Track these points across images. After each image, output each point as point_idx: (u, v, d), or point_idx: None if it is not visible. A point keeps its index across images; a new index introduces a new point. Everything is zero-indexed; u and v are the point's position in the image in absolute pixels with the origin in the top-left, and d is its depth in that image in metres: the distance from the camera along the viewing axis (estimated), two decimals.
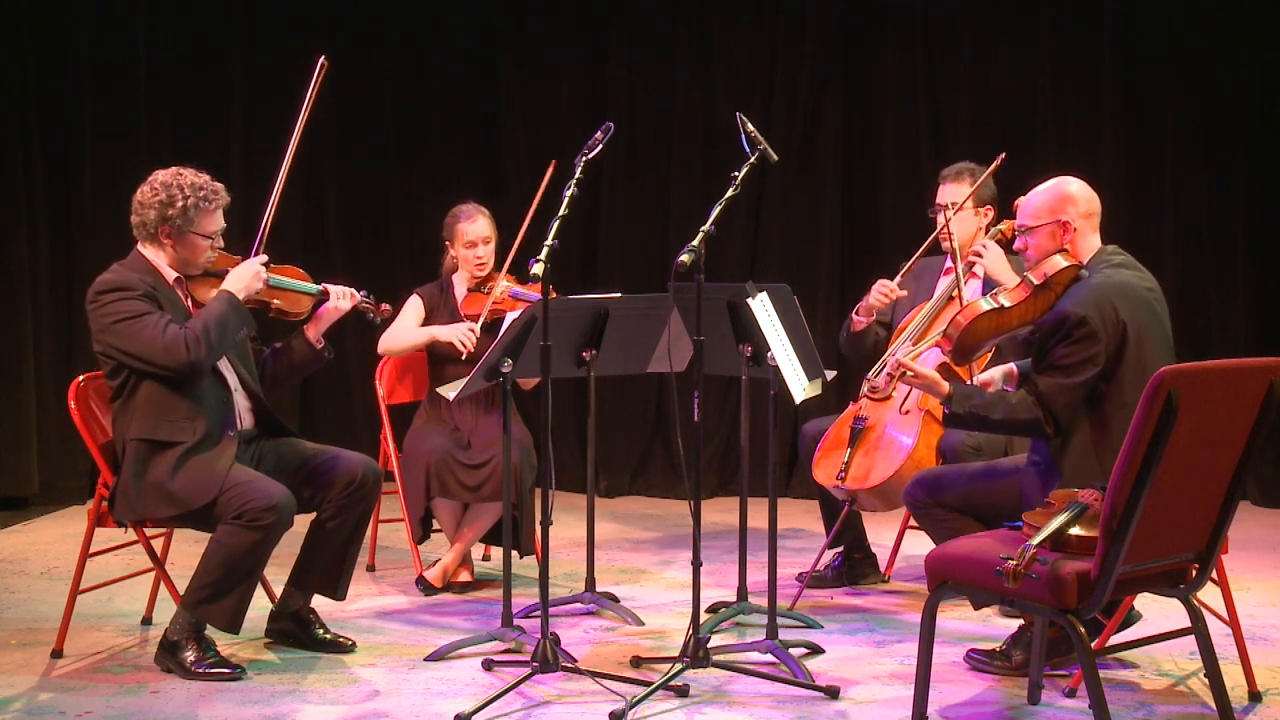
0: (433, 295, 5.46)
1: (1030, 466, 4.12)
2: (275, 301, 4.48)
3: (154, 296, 4.27)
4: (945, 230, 5.03)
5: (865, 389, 5.04)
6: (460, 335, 5.23)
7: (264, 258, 4.43)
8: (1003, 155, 5.11)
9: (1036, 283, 4.06)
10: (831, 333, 6.97)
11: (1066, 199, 4.12)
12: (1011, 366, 4.37)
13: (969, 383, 4.33)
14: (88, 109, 7.08)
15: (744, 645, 4.42)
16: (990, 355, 4.60)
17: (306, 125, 4.63)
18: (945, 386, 4.12)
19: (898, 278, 5.17)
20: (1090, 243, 4.13)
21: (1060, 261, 4.05)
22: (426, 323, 5.39)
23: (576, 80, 7.57)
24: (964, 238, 5.13)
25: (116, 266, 4.35)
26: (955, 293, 4.85)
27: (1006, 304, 4.09)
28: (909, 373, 4.18)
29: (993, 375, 4.34)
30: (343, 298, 4.57)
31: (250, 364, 4.53)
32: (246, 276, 4.36)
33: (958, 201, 5.13)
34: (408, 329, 5.36)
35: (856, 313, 5.24)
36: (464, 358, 5.19)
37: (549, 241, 4.08)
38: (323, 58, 4.45)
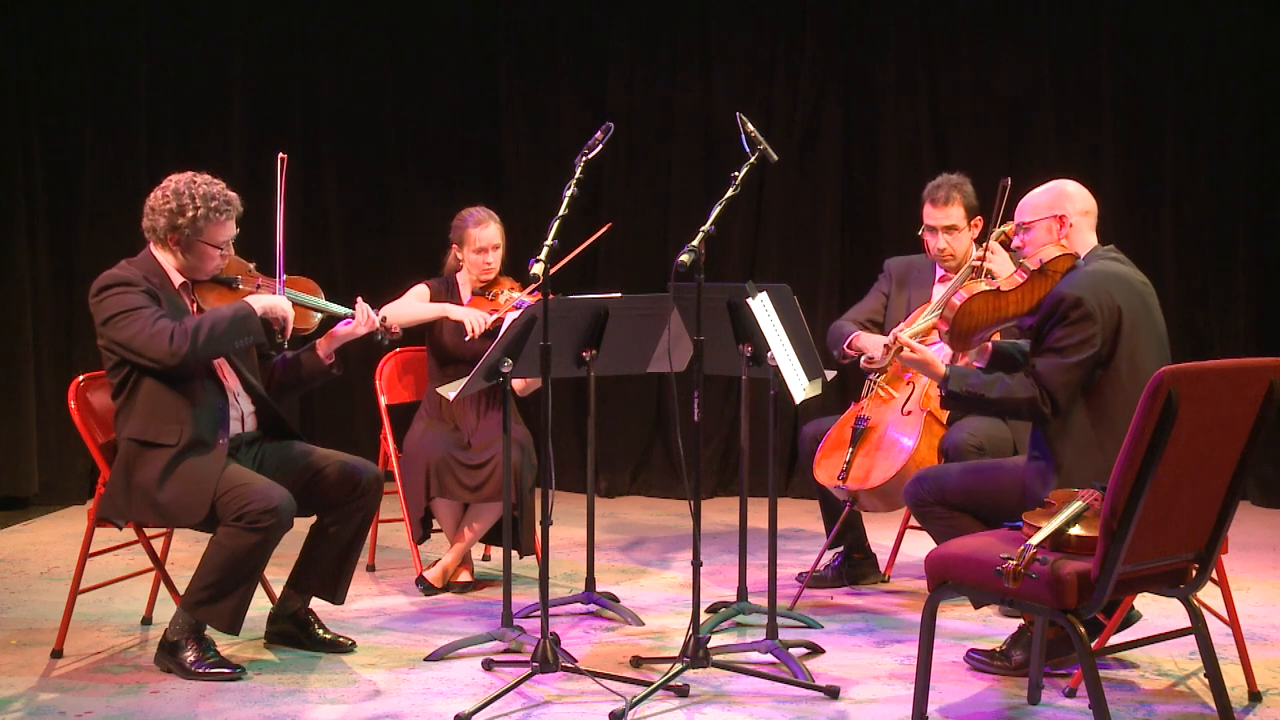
0: (438, 292, 5.46)
1: (1031, 462, 4.13)
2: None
3: (155, 295, 4.26)
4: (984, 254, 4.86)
5: (864, 372, 5.02)
6: (474, 319, 5.23)
7: (288, 301, 4.40)
8: (1008, 180, 4.93)
9: (1033, 268, 4.08)
10: None
11: (1064, 195, 4.17)
12: (986, 343, 4.37)
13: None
14: (88, 109, 7.08)
15: (744, 645, 4.42)
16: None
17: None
18: (941, 367, 4.15)
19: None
20: (1086, 239, 4.16)
21: (1054, 250, 4.08)
22: (464, 308, 5.38)
23: (576, 80, 7.57)
24: (964, 252, 5.14)
25: (124, 263, 4.35)
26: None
27: (1004, 288, 4.10)
28: (906, 349, 4.18)
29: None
30: (363, 323, 4.52)
31: (254, 367, 4.52)
32: (275, 302, 4.34)
33: (953, 223, 5.11)
34: (417, 303, 5.34)
35: (850, 344, 5.09)
36: (466, 339, 5.22)
37: (548, 241, 4.08)
38: (282, 155, 4.43)
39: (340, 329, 4.56)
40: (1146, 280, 4.15)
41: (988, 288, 4.11)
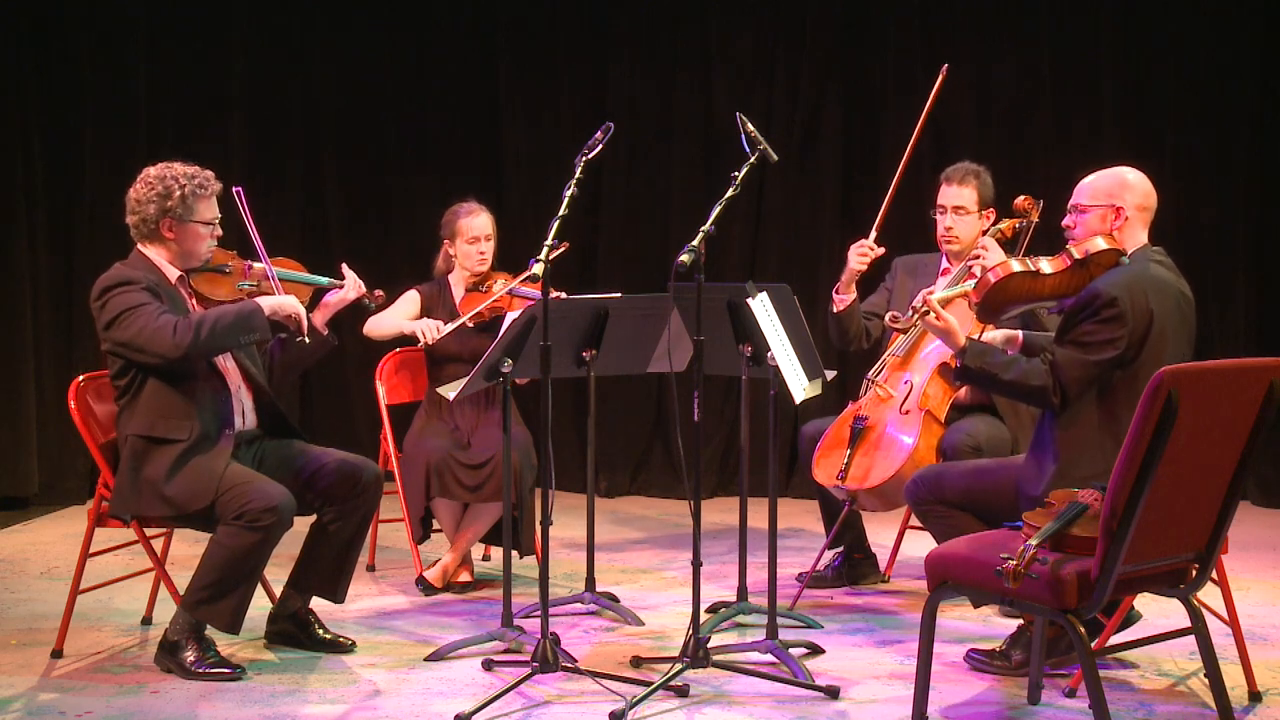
0: (431, 294, 5.47)
1: (1031, 453, 4.12)
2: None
3: (155, 291, 4.27)
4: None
5: (869, 379, 5.04)
6: (424, 327, 5.27)
7: (295, 299, 4.44)
8: (945, 67, 5.27)
9: (1078, 256, 4.05)
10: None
11: (1124, 185, 4.13)
12: (1017, 333, 4.37)
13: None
14: (88, 109, 7.08)
15: (744, 645, 4.42)
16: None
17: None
18: (962, 338, 4.13)
19: (873, 234, 5.16)
20: (1138, 236, 4.11)
21: (1102, 243, 4.04)
22: (421, 319, 5.40)
23: (576, 80, 7.57)
24: (969, 239, 5.14)
25: (118, 266, 4.35)
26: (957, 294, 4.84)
27: (1047, 270, 4.07)
28: (933, 314, 4.17)
29: (994, 337, 4.34)
30: (352, 288, 4.61)
31: (258, 361, 4.53)
32: (283, 301, 4.36)
33: (963, 204, 5.14)
34: (393, 319, 5.38)
35: (837, 291, 5.22)
36: (420, 345, 5.27)
37: (549, 241, 4.08)
38: (237, 188, 4.44)
39: (331, 298, 4.61)
40: (1188, 291, 4.09)
41: (1024, 268, 4.07)
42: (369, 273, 4.86)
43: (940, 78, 5.23)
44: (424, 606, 5.08)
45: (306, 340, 4.42)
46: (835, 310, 5.23)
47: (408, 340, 5.44)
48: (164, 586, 4.52)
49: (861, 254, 5.17)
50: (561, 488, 6.91)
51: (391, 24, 7.54)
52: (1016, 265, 4.09)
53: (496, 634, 4.46)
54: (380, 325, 5.38)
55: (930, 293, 4.38)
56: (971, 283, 4.26)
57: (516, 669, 4.18)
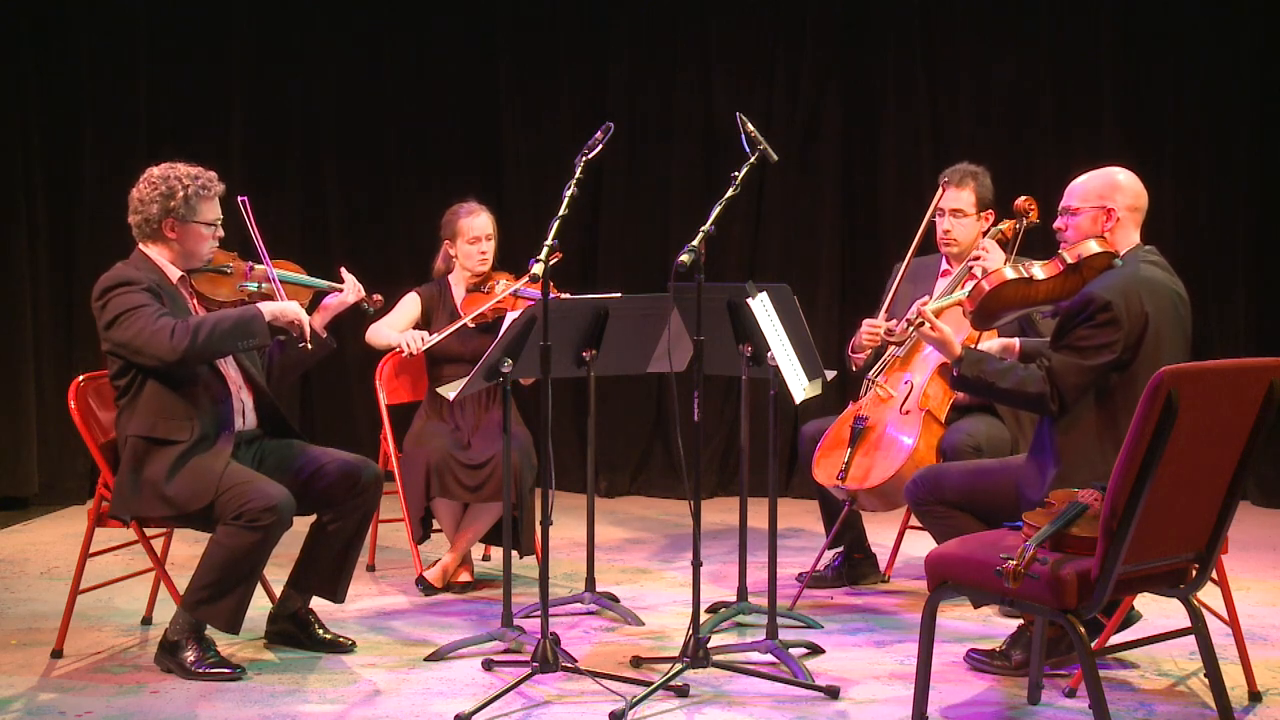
0: (431, 295, 5.47)
1: (1031, 456, 4.12)
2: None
3: (157, 292, 4.27)
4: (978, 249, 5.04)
5: (869, 379, 5.04)
6: (408, 339, 5.28)
7: (297, 304, 4.44)
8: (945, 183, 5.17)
9: (1070, 261, 4.05)
10: (832, 333, 6.99)
11: (1115, 186, 4.13)
12: (1014, 341, 4.37)
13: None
14: (88, 109, 7.08)
15: (744, 645, 4.42)
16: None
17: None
18: (958, 347, 4.13)
19: (881, 313, 5.14)
20: (1130, 237, 4.11)
21: (1094, 246, 4.04)
22: (424, 323, 5.41)
23: (576, 80, 7.57)
24: (968, 241, 5.14)
25: (120, 265, 4.35)
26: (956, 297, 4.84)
27: (1040, 275, 4.06)
28: (927, 324, 4.17)
29: (991, 346, 4.34)
30: (351, 291, 4.63)
31: (257, 362, 4.53)
32: (284, 307, 4.35)
33: (960, 207, 5.14)
34: (390, 329, 5.39)
35: (853, 350, 5.22)
36: (405, 355, 5.27)
37: (548, 241, 4.08)
38: (242, 197, 4.45)
39: (330, 301, 4.63)
40: (1182, 290, 4.09)
41: (1017, 275, 4.06)
42: (369, 273, 4.86)
43: (940, 191, 5.15)
44: (424, 606, 5.08)
45: (309, 347, 4.42)
46: (855, 369, 5.21)
47: None
48: (164, 586, 4.53)
49: (872, 333, 5.08)
50: (561, 488, 6.91)
51: (391, 24, 7.54)
52: (1010, 272, 4.08)
53: (496, 634, 4.46)
54: (378, 335, 5.40)
55: (925, 303, 4.38)
56: (965, 290, 4.26)
57: (516, 669, 4.19)
